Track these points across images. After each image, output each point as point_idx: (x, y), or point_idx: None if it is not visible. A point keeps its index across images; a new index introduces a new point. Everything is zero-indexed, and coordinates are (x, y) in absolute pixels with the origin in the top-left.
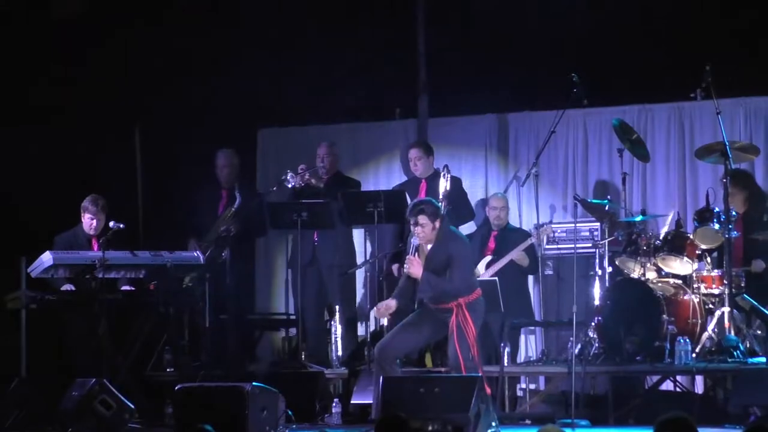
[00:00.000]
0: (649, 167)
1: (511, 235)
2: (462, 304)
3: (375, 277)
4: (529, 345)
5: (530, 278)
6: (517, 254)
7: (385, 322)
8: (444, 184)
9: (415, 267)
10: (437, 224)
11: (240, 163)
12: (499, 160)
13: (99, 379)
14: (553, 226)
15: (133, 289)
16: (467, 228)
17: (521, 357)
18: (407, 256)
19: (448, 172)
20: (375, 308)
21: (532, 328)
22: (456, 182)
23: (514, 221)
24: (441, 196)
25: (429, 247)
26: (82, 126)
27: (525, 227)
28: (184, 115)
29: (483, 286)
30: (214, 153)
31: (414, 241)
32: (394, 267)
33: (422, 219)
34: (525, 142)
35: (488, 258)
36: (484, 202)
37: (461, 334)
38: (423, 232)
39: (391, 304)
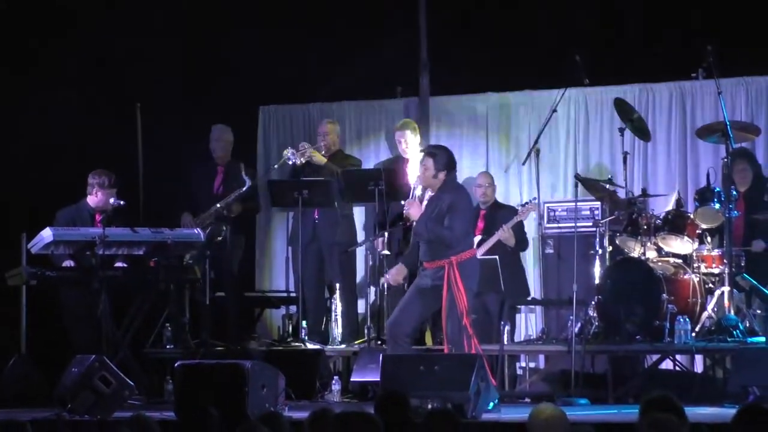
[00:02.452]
0: (650, 146)
1: (499, 213)
2: (454, 262)
3: (376, 255)
4: (529, 323)
5: (528, 256)
6: (503, 234)
7: (385, 291)
8: None
9: (414, 209)
10: (441, 176)
11: (234, 141)
12: (500, 138)
13: (98, 355)
14: (531, 206)
15: (125, 266)
16: None
17: (521, 335)
18: (408, 200)
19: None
20: (386, 274)
21: (532, 306)
22: None
23: (515, 200)
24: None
25: (429, 195)
26: (84, 101)
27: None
28: (186, 92)
29: (482, 265)
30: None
31: (417, 183)
32: (378, 241)
33: (428, 162)
34: (526, 120)
35: (478, 238)
36: None
37: (452, 303)
38: (423, 175)
39: (401, 268)
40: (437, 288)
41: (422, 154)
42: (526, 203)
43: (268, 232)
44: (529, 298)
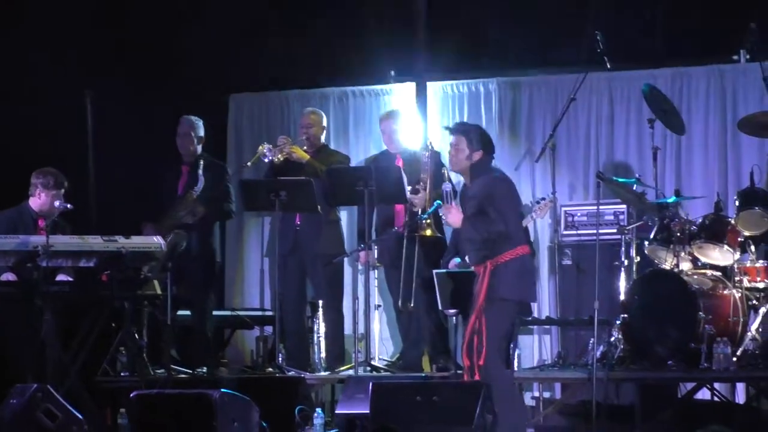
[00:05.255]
0: (685, 141)
1: None
2: (489, 267)
3: (366, 267)
4: (543, 346)
5: (542, 268)
6: None
7: (377, 319)
8: (432, 161)
9: (453, 214)
10: (476, 156)
11: (206, 136)
12: (510, 131)
13: (42, 384)
14: (548, 202)
15: (70, 279)
16: None
17: (533, 360)
18: (444, 205)
19: (431, 146)
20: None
21: (547, 327)
22: (436, 156)
23: (526, 201)
24: (424, 174)
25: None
26: (25, 88)
27: None
28: (145, 77)
29: None
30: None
31: (446, 187)
32: (362, 254)
33: (460, 141)
34: (540, 110)
35: None
36: None
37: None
38: (455, 157)
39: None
40: None
41: (450, 133)
42: (541, 200)
43: (241, 241)
44: (544, 317)
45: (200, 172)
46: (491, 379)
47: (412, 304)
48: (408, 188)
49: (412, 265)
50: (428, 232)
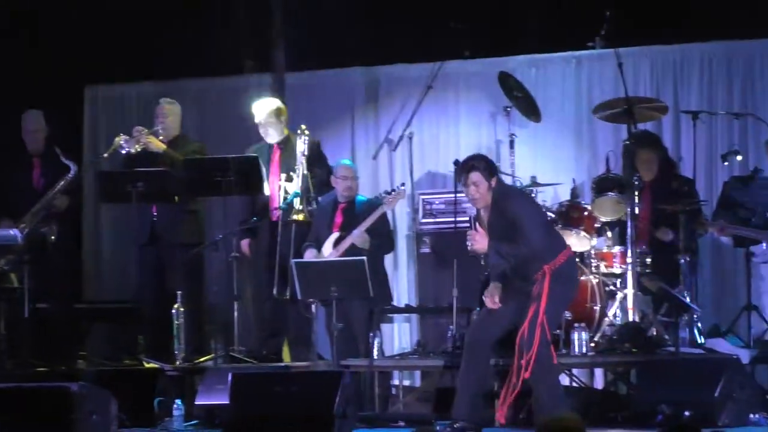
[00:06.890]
0: (541, 128)
1: (361, 208)
2: (546, 272)
3: (224, 257)
4: (403, 335)
5: (400, 256)
6: (355, 237)
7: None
8: (301, 147)
9: (478, 240)
10: (493, 182)
11: (52, 126)
12: (368, 120)
13: None
14: (398, 194)
15: None
16: None
17: (393, 349)
18: (469, 231)
19: (304, 133)
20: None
21: (406, 315)
22: (314, 145)
23: (381, 191)
24: (298, 162)
25: (485, 214)
26: None
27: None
28: None
29: (347, 267)
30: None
31: (472, 211)
32: (244, 243)
33: (475, 176)
34: (398, 99)
35: (336, 235)
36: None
37: (534, 312)
38: (478, 192)
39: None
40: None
41: (462, 176)
42: (392, 191)
43: (98, 233)
44: (403, 305)
45: (63, 158)
46: (543, 371)
47: (288, 295)
48: (283, 176)
49: (285, 252)
50: (301, 217)
